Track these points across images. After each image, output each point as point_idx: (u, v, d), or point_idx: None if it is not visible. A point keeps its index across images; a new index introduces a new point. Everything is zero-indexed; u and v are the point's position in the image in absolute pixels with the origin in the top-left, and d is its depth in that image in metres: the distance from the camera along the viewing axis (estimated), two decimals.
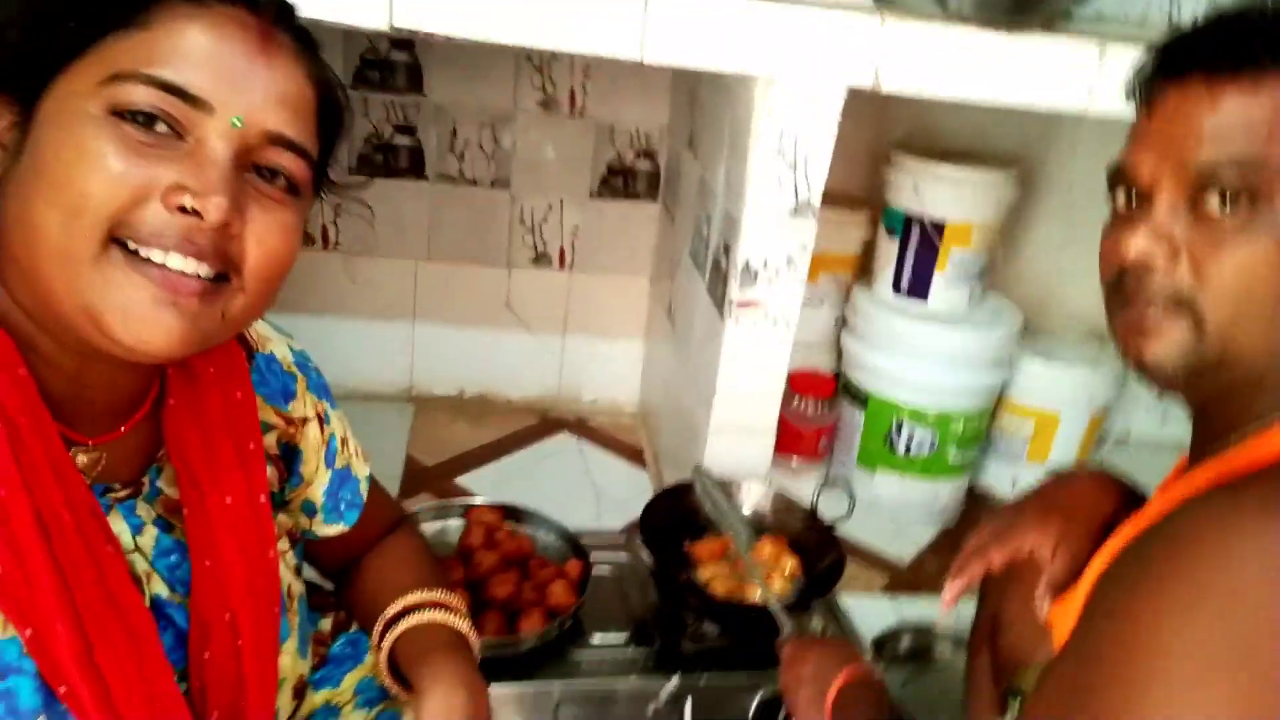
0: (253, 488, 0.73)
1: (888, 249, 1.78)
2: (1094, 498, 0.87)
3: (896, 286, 1.78)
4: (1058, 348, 1.99)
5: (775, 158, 1.31)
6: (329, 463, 0.86)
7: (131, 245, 0.55)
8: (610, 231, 2.04)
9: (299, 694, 0.78)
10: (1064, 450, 2.01)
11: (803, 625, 1.26)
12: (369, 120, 1.84)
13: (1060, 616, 0.70)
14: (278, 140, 0.59)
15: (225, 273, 0.58)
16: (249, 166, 0.58)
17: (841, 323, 1.92)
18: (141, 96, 0.54)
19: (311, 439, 0.83)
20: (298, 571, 0.83)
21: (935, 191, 1.67)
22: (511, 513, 1.37)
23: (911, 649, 1.52)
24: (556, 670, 1.16)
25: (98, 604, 0.59)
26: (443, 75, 1.86)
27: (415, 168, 1.92)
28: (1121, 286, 0.67)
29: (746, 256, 1.36)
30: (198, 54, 0.55)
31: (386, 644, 0.83)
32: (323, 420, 0.85)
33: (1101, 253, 0.70)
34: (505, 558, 1.24)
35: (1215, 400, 0.66)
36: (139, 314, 0.55)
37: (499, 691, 1.11)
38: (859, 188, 1.91)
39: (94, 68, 0.55)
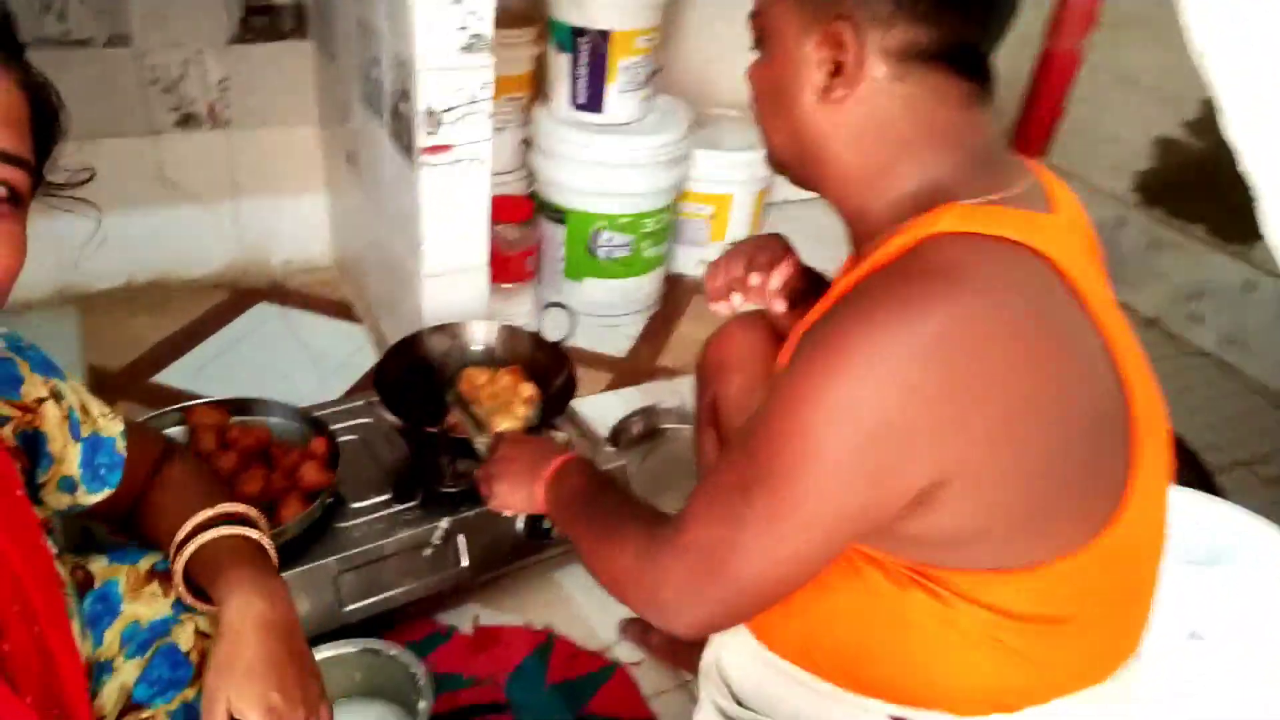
0: (5, 483, 0.72)
1: (560, 65, 1.80)
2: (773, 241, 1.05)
3: (574, 102, 1.82)
4: (723, 135, 2.16)
5: None
6: (74, 435, 0.84)
7: None
8: (262, 79, 1.86)
9: (88, 674, 0.77)
10: (739, 224, 2.24)
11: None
12: None
13: None
14: None
15: None
16: None
17: (527, 144, 1.95)
18: None
19: (51, 418, 0.81)
20: (58, 557, 0.80)
21: (598, 1, 1.69)
22: (236, 406, 1.32)
23: (643, 431, 1.71)
24: (328, 547, 1.18)
25: None
26: None
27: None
28: None
29: (427, 102, 1.32)
30: None
31: (178, 566, 0.84)
32: (57, 396, 0.82)
33: None
34: (244, 454, 1.21)
35: (841, 206, 0.82)
36: None
37: None
38: (522, 1, 1.88)
39: None
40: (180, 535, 0.86)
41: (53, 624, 0.71)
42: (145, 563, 0.90)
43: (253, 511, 0.92)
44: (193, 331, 1.86)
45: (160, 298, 1.94)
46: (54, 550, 0.80)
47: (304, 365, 1.81)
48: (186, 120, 1.83)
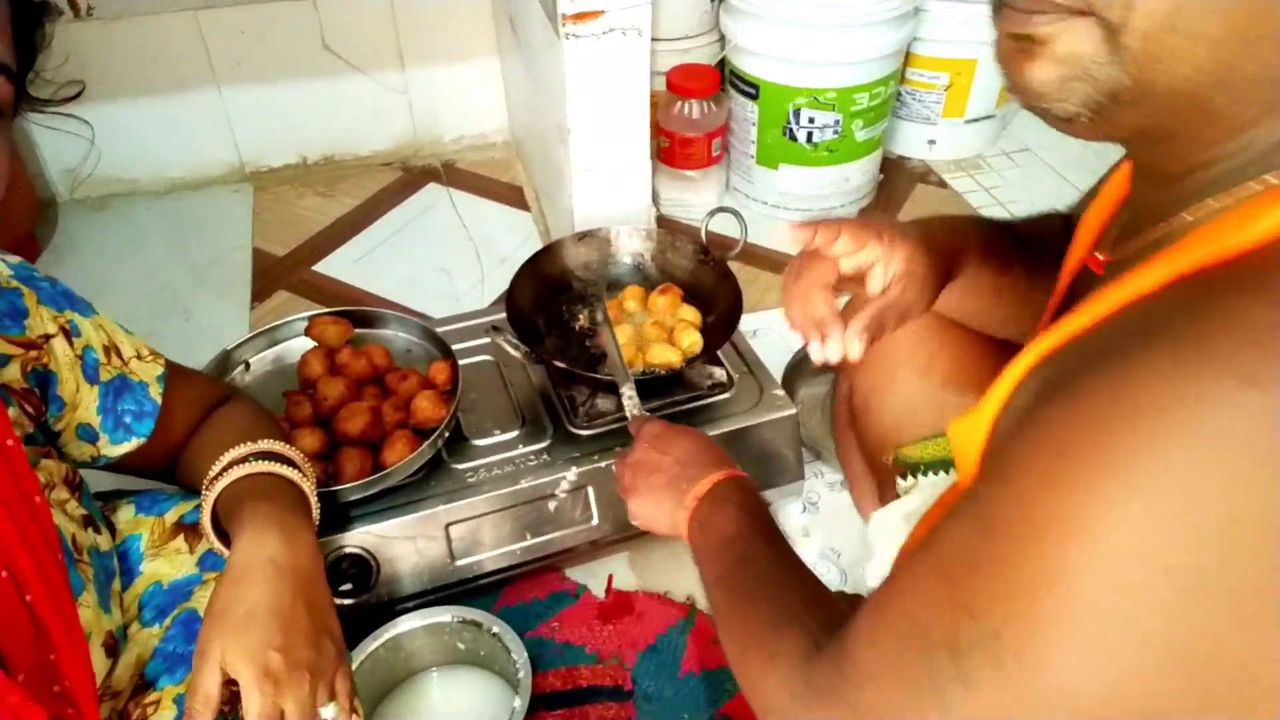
0: None
1: None
2: (951, 225, 0.71)
3: None
4: None
5: None
6: (90, 378, 0.74)
7: None
8: None
9: (111, 651, 0.68)
10: (982, 99, 1.83)
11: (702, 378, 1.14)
12: None
13: (963, 434, 0.56)
14: None
15: None
16: None
17: (718, 1, 1.63)
18: None
19: (61, 356, 0.71)
20: (87, 522, 0.72)
21: None
22: (360, 318, 1.19)
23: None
24: (441, 491, 1.04)
25: None
26: None
27: None
28: None
29: None
30: None
31: (206, 506, 0.74)
32: (68, 333, 0.72)
33: None
34: (354, 381, 1.07)
35: (1152, 136, 0.47)
36: None
37: (381, 529, 1.00)
38: None
39: None
40: (213, 471, 0.76)
41: (47, 592, 0.62)
42: (173, 514, 0.80)
43: (295, 453, 0.80)
44: (360, 215, 1.76)
45: (331, 177, 1.85)
46: (82, 511, 0.71)
47: (467, 257, 1.66)
48: None
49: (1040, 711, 0.39)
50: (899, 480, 0.81)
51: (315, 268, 1.63)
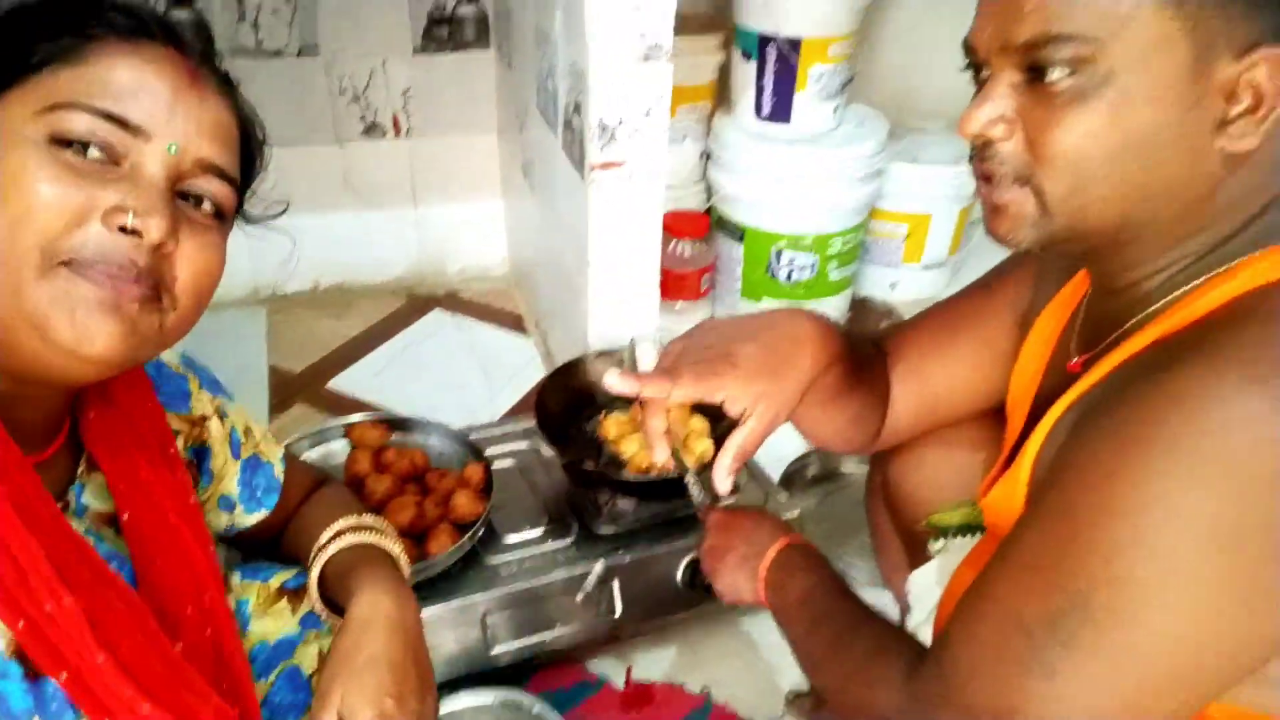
0: (182, 489, 0.74)
1: (745, 73, 1.68)
2: (812, 349, 0.81)
3: (758, 112, 1.70)
4: (924, 147, 1.97)
5: None
6: (235, 454, 0.86)
7: (73, 267, 0.56)
8: (444, 88, 1.85)
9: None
10: (937, 247, 2.04)
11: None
12: None
13: (999, 497, 0.69)
14: (208, 168, 0.61)
15: (158, 291, 0.59)
16: (178, 193, 0.60)
17: (706, 156, 1.84)
18: (81, 124, 0.56)
19: (215, 434, 0.83)
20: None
21: (788, 7, 1.56)
22: (396, 423, 1.29)
23: (820, 472, 1.57)
24: (476, 582, 1.12)
25: (91, 582, 0.60)
26: None
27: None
28: (975, 161, 0.66)
29: (600, 115, 1.24)
30: (134, 86, 0.58)
31: (315, 568, 0.83)
32: (220, 414, 0.85)
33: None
34: (399, 479, 1.17)
35: (1097, 257, 0.65)
36: (84, 314, 0.56)
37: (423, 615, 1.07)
38: (707, 6, 1.78)
39: (31, 97, 0.57)
40: (323, 539, 0.85)
41: (225, 624, 0.73)
42: (276, 580, 0.89)
43: (391, 529, 0.90)
44: (370, 337, 1.88)
45: (342, 302, 1.97)
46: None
47: (474, 376, 1.78)
48: (371, 129, 1.84)
49: (1133, 657, 0.51)
50: (931, 544, 0.93)
51: (330, 385, 1.73)
